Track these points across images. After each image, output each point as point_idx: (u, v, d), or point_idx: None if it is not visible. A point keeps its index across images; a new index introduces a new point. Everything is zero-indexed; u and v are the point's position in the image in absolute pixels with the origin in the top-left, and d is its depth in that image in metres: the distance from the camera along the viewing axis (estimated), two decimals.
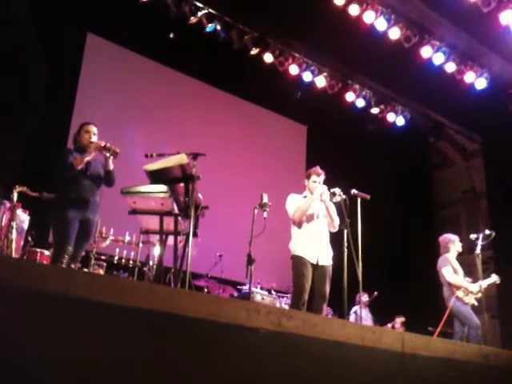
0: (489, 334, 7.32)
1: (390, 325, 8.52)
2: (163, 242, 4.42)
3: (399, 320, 8.48)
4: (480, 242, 6.40)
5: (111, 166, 4.59)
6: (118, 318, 2.15)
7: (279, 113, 10.34)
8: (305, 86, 9.29)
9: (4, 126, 6.51)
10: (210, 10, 8.03)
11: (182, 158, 4.22)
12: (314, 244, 4.95)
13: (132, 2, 7.50)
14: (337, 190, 5.01)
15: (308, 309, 4.83)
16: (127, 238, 6.58)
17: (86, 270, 5.85)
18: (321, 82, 9.17)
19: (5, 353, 1.90)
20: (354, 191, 5.15)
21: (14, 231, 5.17)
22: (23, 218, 5.53)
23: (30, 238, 5.66)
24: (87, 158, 4.45)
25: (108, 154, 4.50)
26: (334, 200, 5.02)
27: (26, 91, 6.83)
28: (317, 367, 2.59)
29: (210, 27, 8.06)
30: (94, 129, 4.66)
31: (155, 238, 4.82)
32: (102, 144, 4.48)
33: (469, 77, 8.68)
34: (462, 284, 6.26)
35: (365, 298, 8.48)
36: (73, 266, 4.37)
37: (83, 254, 4.94)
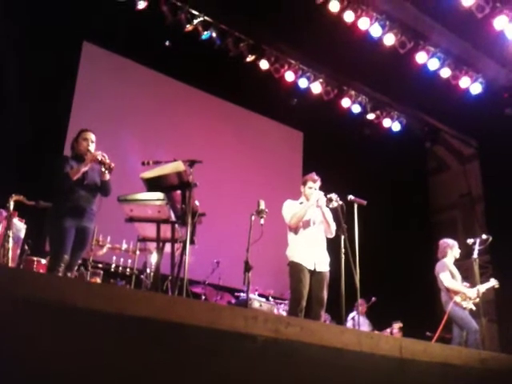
0: (487, 338, 7.30)
1: (388, 330, 8.49)
2: (160, 250, 4.41)
3: (396, 325, 8.45)
4: (477, 247, 6.40)
5: (107, 177, 4.58)
6: (115, 327, 2.15)
7: (275, 119, 10.35)
8: (301, 93, 9.31)
9: None
10: (206, 18, 8.05)
11: (178, 166, 4.23)
12: (311, 250, 4.95)
13: (128, 10, 7.51)
14: (333, 196, 5.01)
15: (306, 315, 4.82)
16: (124, 246, 6.57)
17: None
18: (316, 88, 9.19)
19: (1, 361, 1.89)
20: (350, 197, 5.15)
21: (11, 240, 5.15)
22: (20, 226, 5.51)
23: (26, 247, 5.64)
24: (83, 169, 4.45)
25: (103, 169, 4.50)
26: (331, 206, 5.02)
27: (22, 99, 6.82)
28: (315, 374, 2.58)
29: (205, 35, 8.08)
30: (92, 136, 4.66)
31: (152, 245, 4.81)
32: (98, 158, 4.48)
33: (464, 82, 8.71)
34: (460, 289, 6.26)
35: (363, 306, 8.47)
36: (69, 274, 4.36)
37: (80, 262, 4.93)
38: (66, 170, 4.44)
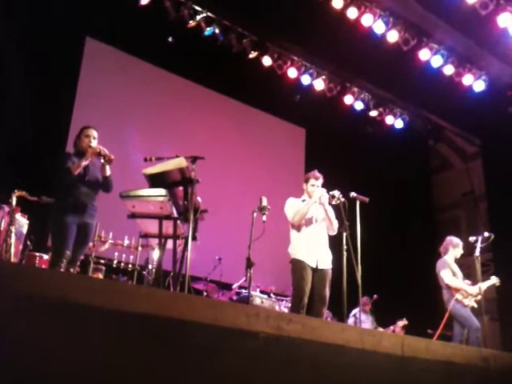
0: (488, 336, 7.31)
1: (392, 327, 8.50)
2: (162, 246, 4.41)
3: (401, 323, 8.45)
4: (479, 245, 6.40)
5: (108, 172, 4.58)
6: (117, 323, 2.15)
7: (278, 116, 10.35)
8: (303, 89, 9.30)
9: (2, 130, 6.52)
10: (209, 14, 8.04)
11: (180, 162, 4.22)
12: (313, 247, 4.94)
13: (131, 6, 7.51)
14: (336, 193, 5.01)
15: (308, 312, 4.82)
16: (126, 242, 6.58)
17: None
18: (319, 85, 9.18)
19: (3, 357, 1.90)
20: (353, 194, 5.14)
21: (13, 236, 5.16)
22: (22, 222, 5.52)
23: (28, 243, 5.65)
24: (84, 163, 4.45)
25: (102, 161, 4.50)
26: (334, 202, 5.01)
27: (25, 95, 6.82)
28: (316, 371, 2.58)
29: (208, 31, 8.07)
30: (94, 133, 4.66)
31: (154, 241, 4.82)
32: (97, 150, 4.48)
33: (467, 79, 8.69)
34: (461, 286, 6.26)
35: (367, 304, 8.50)
36: (72, 270, 4.37)
37: (82, 257, 4.93)
38: (67, 165, 4.45)
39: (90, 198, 4.54)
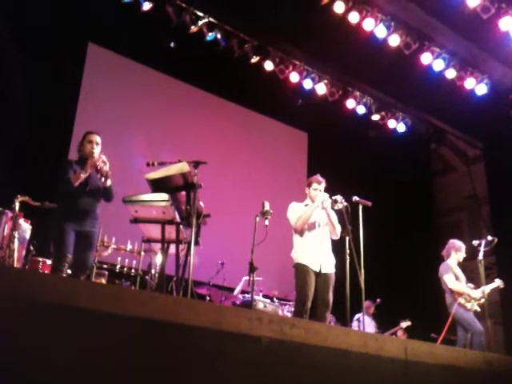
0: (492, 340, 7.28)
1: (394, 329, 8.48)
2: (165, 251, 4.42)
3: (404, 324, 8.43)
4: (482, 248, 6.38)
5: (108, 183, 4.56)
6: (120, 328, 2.15)
7: (280, 120, 10.35)
8: (305, 94, 9.31)
9: (5, 135, 6.54)
10: (211, 19, 8.06)
11: (183, 167, 4.23)
12: (316, 252, 4.94)
13: (133, 12, 7.53)
14: (338, 198, 5.01)
15: (311, 317, 4.82)
16: (129, 247, 6.58)
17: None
18: (321, 89, 9.19)
19: (5, 362, 1.90)
20: (355, 198, 5.15)
21: (16, 241, 5.18)
22: (25, 227, 5.53)
23: (31, 248, 5.66)
24: (83, 176, 4.42)
25: (99, 176, 4.48)
26: (336, 207, 5.02)
27: (27, 101, 6.85)
28: (320, 375, 2.58)
29: (210, 36, 8.09)
30: (96, 138, 4.65)
31: (157, 246, 4.82)
32: (96, 164, 4.45)
33: (469, 83, 8.69)
34: (464, 290, 6.25)
35: (371, 308, 8.48)
36: (82, 278, 4.36)
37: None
38: (68, 175, 4.43)
39: (92, 206, 4.53)
